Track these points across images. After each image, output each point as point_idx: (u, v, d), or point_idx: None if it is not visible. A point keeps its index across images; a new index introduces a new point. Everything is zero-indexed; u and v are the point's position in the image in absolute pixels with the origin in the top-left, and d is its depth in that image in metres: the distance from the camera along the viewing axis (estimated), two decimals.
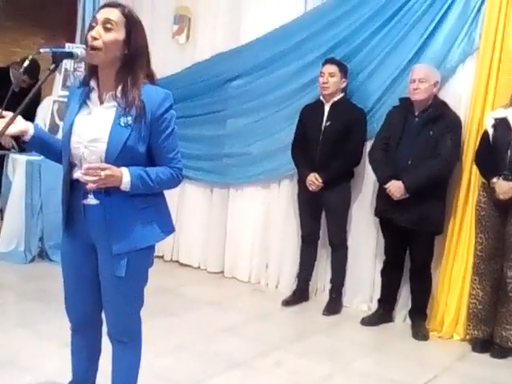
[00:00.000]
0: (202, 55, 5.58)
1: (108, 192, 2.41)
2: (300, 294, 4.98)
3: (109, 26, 2.37)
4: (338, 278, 4.92)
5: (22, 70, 2.39)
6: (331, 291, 4.93)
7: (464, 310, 4.41)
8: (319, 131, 4.73)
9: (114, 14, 2.39)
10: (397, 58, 4.71)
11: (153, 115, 2.42)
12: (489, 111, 4.31)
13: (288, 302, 4.92)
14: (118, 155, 2.39)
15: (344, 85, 4.77)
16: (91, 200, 2.43)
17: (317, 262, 5.04)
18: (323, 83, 4.72)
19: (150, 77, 2.49)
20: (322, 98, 4.81)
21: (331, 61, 4.75)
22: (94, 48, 2.36)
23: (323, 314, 4.79)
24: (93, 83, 2.48)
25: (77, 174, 2.46)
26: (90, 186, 2.34)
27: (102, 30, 2.37)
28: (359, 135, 4.68)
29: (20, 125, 2.44)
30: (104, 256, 2.50)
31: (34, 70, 5.71)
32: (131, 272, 2.48)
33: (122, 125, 2.39)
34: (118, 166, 2.37)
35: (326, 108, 4.77)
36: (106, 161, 2.38)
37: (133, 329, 2.63)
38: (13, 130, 2.40)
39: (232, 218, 5.54)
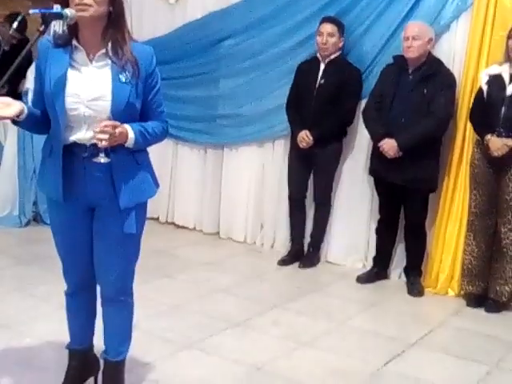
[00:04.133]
0: (193, 15, 5.50)
1: (114, 150, 2.41)
2: (295, 253, 5.00)
3: None
4: (318, 233, 4.97)
5: (12, 29, 2.34)
6: (309, 245, 4.99)
7: (458, 266, 4.45)
8: (313, 89, 4.70)
9: None
10: (390, 15, 4.66)
11: (146, 71, 2.46)
12: (483, 68, 4.29)
13: (284, 262, 4.95)
14: (122, 112, 2.40)
15: (341, 44, 4.72)
16: (102, 158, 2.40)
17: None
18: (322, 44, 4.66)
19: (129, 34, 2.49)
20: (318, 55, 4.77)
21: (330, 19, 4.69)
22: (84, 5, 2.31)
23: (299, 267, 4.86)
24: (75, 43, 2.43)
25: (78, 136, 2.42)
26: (103, 144, 2.32)
27: None
28: (353, 94, 4.65)
29: (15, 107, 2.36)
30: (108, 215, 2.51)
31: (21, 25, 5.65)
32: (138, 227, 2.56)
33: (123, 81, 2.40)
34: (121, 122, 2.38)
35: (322, 66, 4.73)
36: (111, 118, 2.38)
37: (130, 286, 2.67)
38: (10, 112, 2.34)
39: (226, 179, 5.54)
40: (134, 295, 2.71)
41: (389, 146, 4.32)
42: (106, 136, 2.31)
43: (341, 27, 4.69)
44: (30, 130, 2.63)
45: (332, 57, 4.72)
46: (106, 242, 2.55)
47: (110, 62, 2.41)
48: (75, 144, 2.45)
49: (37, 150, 5.20)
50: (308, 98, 4.71)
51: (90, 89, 2.40)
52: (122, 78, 2.40)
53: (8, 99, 2.38)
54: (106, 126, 2.31)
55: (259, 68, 5.23)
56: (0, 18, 6.02)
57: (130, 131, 2.40)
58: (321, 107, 4.66)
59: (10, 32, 2.32)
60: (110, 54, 2.40)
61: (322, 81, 4.70)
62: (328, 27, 4.65)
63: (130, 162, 2.50)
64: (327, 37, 4.64)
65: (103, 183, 2.47)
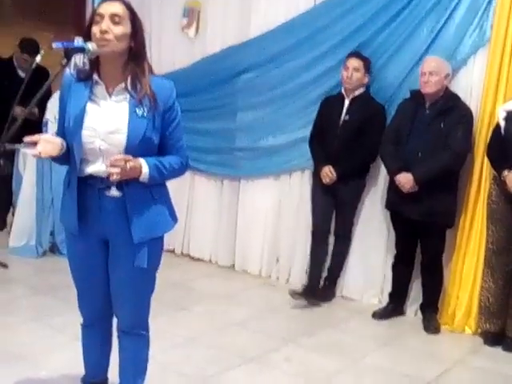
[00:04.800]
0: (212, 49, 5.56)
1: (127, 183, 2.43)
2: (311, 289, 4.88)
3: (117, 19, 2.39)
4: (336, 268, 4.92)
5: (34, 65, 2.39)
6: (326, 279, 4.95)
7: (475, 303, 4.40)
8: (338, 124, 4.71)
9: (120, 8, 2.41)
10: (409, 50, 4.67)
11: (165, 105, 2.47)
12: (500, 104, 4.28)
13: (297, 295, 4.79)
14: (137, 146, 2.42)
15: (366, 80, 4.73)
16: (114, 192, 2.42)
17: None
18: (347, 77, 4.68)
19: (150, 67, 2.52)
20: (343, 91, 4.78)
21: (356, 54, 4.71)
22: (105, 40, 2.36)
23: (313, 303, 4.79)
24: (96, 77, 2.48)
25: (94, 168, 2.45)
26: (115, 177, 2.35)
27: (110, 24, 2.38)
28: (378, 131, 4.59)
29: (57, 143, 2.42)
30: (122, 248, 2.52)
31: (32, 47, 5.76)
32: (150, 261, 2.54)
33: (139, 115, 2.42)
34: (136, 156, 2.40)
35: (347, 102, 4.74)
36: (126, 152, 2.40)
37: (145, 319, 2.67)
38: (55, 151, 2.40)
39: (243, 211, 5.54)
40: (149, 328, 2.70)
41: (405, 179, 4.31)
42: (118, 170, 2.33)
43: (367, 63, 4.70)
44: (59, 163, 2.62)
45: (357, 93, 4.73)
46: (119, 275, 2.56)
47: (128, 95, 2.44)
48: (91, 176, 2.47)
49: (55, 181, 5.25)
50: (332, 133, 4.71)
51: (106, 122, 2.43)
52: (139, 111, 2.42)
53: (49, 136, 2.45)
54: (116, 160, 2.34)
55: (276, 102, 5.26)
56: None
57: (144, 165, 2.42)
58: (345, 143, 4.66)
59: (33, 66, 2.34)
60: (129, 88, 2.44)
61: (347, 117, 4.71)
62: (354, 62, 4.67)
63: (146, 195, 2.50)
64: (353, 71, 4.66)
65: (117, 216, 2.48)
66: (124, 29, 2.40)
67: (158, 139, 2.49)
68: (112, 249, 2.56)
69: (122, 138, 2.42)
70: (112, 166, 2.34)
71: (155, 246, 2.58)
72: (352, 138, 4.66)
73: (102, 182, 2.45)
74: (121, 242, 2.52)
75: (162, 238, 2.63)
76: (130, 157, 2.37)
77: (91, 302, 2.67)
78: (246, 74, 5.40)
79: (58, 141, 2.44)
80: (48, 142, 2.39)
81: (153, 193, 2.53)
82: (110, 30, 2.37)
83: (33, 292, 4.59)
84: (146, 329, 2.69)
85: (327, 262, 4.96)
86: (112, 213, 2.48)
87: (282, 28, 5.18)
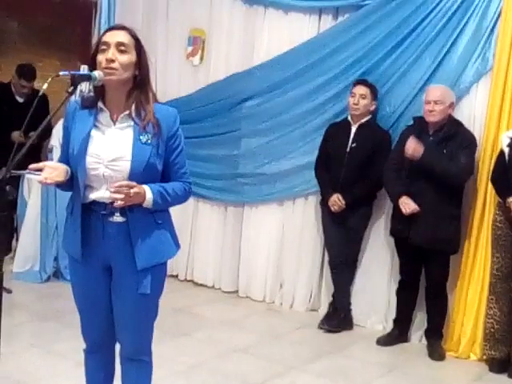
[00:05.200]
0: (216, 76, 5.61)
1: (131, 209, 2.44)
2: (343, 320, 4.85)
3: (123, 48, 2.42)
4: (341, 296, 4.89)
5: (40, 93, 2.43)
6: (330, 304, 4.94)
7: (480, 329, 4.38)
8: (344, 152, 4.73)
9: (126, 37, 2.45)
10: (412, 77, 4.72)
11: (168, 133, 2.49)
12: (503, 130, 4.31)
13: (329, 329, 4.78)
14: (142, 173, 2.44)
15: (373, 107, 4.76)
16: (117, 218, 2.44)
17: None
18: (354, 104, 4.71)
19: (154, 95, 2.55)
20: (349, 118, 4.82)
21: (363, 82, 4.75)
22: (111, 69, 2.39)
23: (318, 328, 4.80)
24: (101, 105, 2.51)
25: (98, 194, 2.47)
26: (119, 203, 2.36)
27: (116, 53, 2.41)
28: (384, 158, 4.59)
29: (62, 169, 2.45)
30: (125, 274, 2.52)
31: (29, 72, 5.81)
32: (154, 287, 2.54)
33: (143, 142, 2.44)
34: (140, 183, 2.41)
35: (353, 129, 4.76)
36: (130, 178, 2.42)
37: (148, 345, 2.66)
38: (61, 177, 2.43)
39: (246, 237, 5.55)
40: (152, 354, 2.69)
41: (408, 205, 4.32)
42: (121, 196, 2.35)
43: (373, 91, 4.74)
44: (63, 189, 2.62)
45: (363, 120, 4.75)
46: (122, 302, 2.56)
47: (132, 123, 2.46)
48: (94, 202, 2.49)
49: (60, 207, 5.27)
50: (339, 160, 4.73)
51: (110, 149, 2.45)
52: (143, 138, 2.44)
53: (53, 163, 2.49)
54: (120, 186, 2.35)
55: (280, 128, 5.29)
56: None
57: (148, 192, 2.43)
58: (353, 171, 4.68)
59: (40, 93, 2.38)
60: (133, 115, 2.46)
61: (354, 144, 4.73)
62: (361, 89, 4.71)
63: (149, 221, 2.51)
64: (359, 98, 4.69)
65: (121, 242, 2.49)
66: (130, 57, 2.43)
67: (161, 166, 2.51)
68: (115, 275, 2.56)
69: (126, 165, 2.44)
70: (116, 192, 2.35)
71: (159, 273, 2.57)
72: (359, 165, 4.68)
73: (106, 208, 2.46)
74: (124, 268, 2.52)
75: (165, 264, 2.62)
76: (134, 183, 2.39)
77: (94, 327, 2.66)
78: (249, 101, 5.44)
79: (63, 167, 2.47)
80: (53, 169, 2.42)
81: (156, 218, 2.53)
82: (116, 59, 2.40)
83: (36, 318, 4.58)
84: (149, 355, 2.68)
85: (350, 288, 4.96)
86: (115, 239, 2.49)
87: (286, 56, 5.23)
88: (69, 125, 2.56)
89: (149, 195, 2.43)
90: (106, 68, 2.39)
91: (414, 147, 4.28)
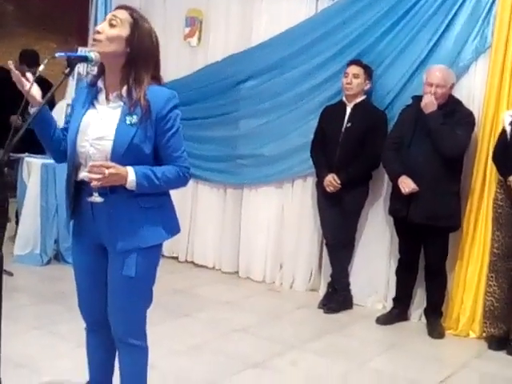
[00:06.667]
0: (214, 57, 5.59)
1: (113, 190, 2.43)
2: (344, 301, 4.88)
3: (113, 22, 2.43)
4: (339, 277, 4.91)
5: (37, 74, 2.42)
6: (329, 285, 4.97)
7: (480, 307, 4.40)
8: (339, 132, 4.73)
9: (121, 13, 2.46)
10: (409, 57, 4.71)
11: (157, 115, 2.45)
12: (503, 109, 4.30)
13: (329, 309, 4.80)
14: (124, 153, 2.42)
15: (368, 87, 4.76)
16: (96, 198, 2.43)
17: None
18: (347, 83, 4.71)
19: (157, 80, 2.52)
20: (344, 98, 4.81)
21: (356, 62, 4.75)
22: (96, 40, 2.42)
23: (318, 307, 4.83)
24: (100, 84, 2.52)
25: (83, 174, 2.48)
26: (95, 183, 2.36)
27: (106, 26, 2.43)
28: (379, 138, 4.60)
29: (35, 89, 2.50)
30: (113, 256, 2.53)
31: (31, 58, 5.79)
32: (141, 271, 2.50)
33: (128, 123, 2.42)
34: (124, 164, 2.39)
35: (348, 109, 4.76)
36: (112, 159, 2.41)
37: (138, 329, 2.62)
38: (35, 96, 2.47)
39: (246, 218, 5.56)
40: (146, 339, 2.65)
41: (407, 184, 4.32)
42: (97, 176, 2.34)
43: (367, 70, 4.73)
44: (40, 136, 2.59)
45: (358, 100, 4.75)
46: (111, 282, 2.56)
47: (122, 103, 2.46)
48: (84, 181, 2.49)
49: (59, 189, 5.27)
50: (334, 141, 4.73)
51: (97, 128, 2.46)
52: (129, 119, 2.42)
53: (35, 86, 2.49)
54: (94, 166, 2.35)
55: (279, 109, 5.28)
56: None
57: (131, 174, 2.39)
58: (347, 151, 4.68)
59: (37, 74, 2.37)
60: (124, 95, 2.46)
61: (349, 124, 4.72)
62: (354, 69, 4.70)
63: (132, 205, 2.47)
64: (352, 77, 4.69)
65: (104, 222, 2.49)
66: (119, 31, 2.42)
67: (149, 149, 2.46)
68: (108, 255, 2.56)
69: (108, 144, 2.43)
70: (90, 171, 2.36)
71: (146, 257, 2.52)
72: (354, 145, 4.68)
73: (87, 187, 2.46)
74: (112, 249, 2.52)
75: (155, 249, 2.57)
76: (111, 163, 2.37)
77: (90, 306, 2.67)
78: (247, 82, 5.43)
79: (39, 92, 2.50)
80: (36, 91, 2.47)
81: (141, 202, 2.48)
82: (103, 31, 2.42)
83: (37, 300, 4.60)
84: (141, 339, 2.63)
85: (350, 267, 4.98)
86: (101, 218, 2.49)
87: (284, 36, 5.22)
88: (73, 103, 2.61)
89: (131, 177, 2.39)
90: (93, 40, 2.42)
91: (429, 101, 4.27)
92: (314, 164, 4.90)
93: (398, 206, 4.48)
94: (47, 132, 2.58)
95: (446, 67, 4.41)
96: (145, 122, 2.43)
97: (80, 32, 6.61)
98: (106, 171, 2.34)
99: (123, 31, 2.43)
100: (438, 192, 4.28)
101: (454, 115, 4.32)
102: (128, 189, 2.42)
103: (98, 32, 2.42)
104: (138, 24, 2.46)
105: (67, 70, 2.37)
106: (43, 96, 2.47)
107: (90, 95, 2.53)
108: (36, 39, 7.57)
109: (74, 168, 2.51)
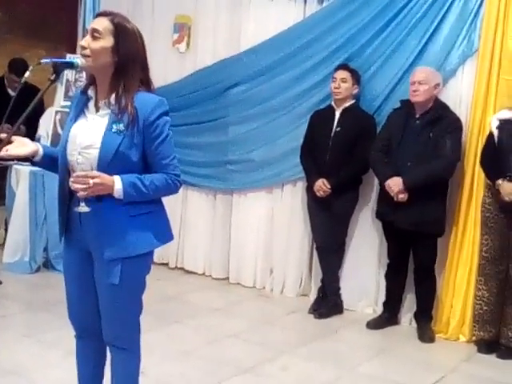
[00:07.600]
0: (203, 63, 5.57)
1: (100, 199, 2.42)
2: (333, 306, 4.88)
3: (96, 35, 2.41)
4: (330, 281, 4.91)
5: (22, 81, 2.40)
6: (320, 290, 4.97)
7: (469, 311, 4.41)
8: (329, 137, 4.73)
9: (102, 24, 2.43)
10: (397, 61, 4.73)
11: (145, 121, 2.42)
12: (490, 113, 4.33)
13: (320, 314, 4.80)
14: (110, 162, 2.40)
15: (356, 91, 4.77)
16: (82, 207, 2.42)
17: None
18: (335, 88, 4.72)
19: (146, 84, 2.51)
20: (333, 103, 4.82)
21: (343, 67, 4.77)
22: (83, 56, 2.41)
23: (309, 313, 4.83)
24: (90, 92, 2.52)
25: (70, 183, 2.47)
26: (81, 193, 2.35)
27: (90, 39, 2.42)
28: (369, 142, 4.60)
29: (30, 147, 2.47)
30: (99, 263, 2.51)
31: (20, 67, 5.79)
32: (126, 279, 2.48)
33: (114, 131, 2.41)
34: (111, 173, 2.38)
35: (337, 114, 4.77)
36: (98, 167, 2.40)
37: (128, 336, 2.61)
38: (23, 152, 2.44)
39: (236, 223, 5.55)
40: (138, 345, 2.64)
41: (394, 182, 4.33)
42: (82, 186, 2.33)
43: (354, 74, 4.74)
44: (49, 170, 2.64)
45: (347, 104, 4.76)
46: (99, 290, 2.55)
47: (109, 111, 2.45)
48: (71, 191, 2.47)
49: (48, 197, 5.26)
50: (323, 146, 4.73)
51: (85, 136, 2.45)
52: (115, 127, 2.40)
53: (24, 139, 2.48)
54: (78, 177, 2.35)
55: (268, 114, 5.28)
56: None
57: (117, 183, 2.38)
58: (337, 155, 4.68)
59: (22, 81, 2.36)
60: (112, 102, 2.44)
61: (338, 129, 4.73)
62: (341, 73, 4.72)
63: (121, 213, 2.45)
64: (340, 82, 4.70)
65: (91, 231, 2.48)
66: (102, 44, 2.40)
67: (137, 156, 2.44)
68: (94, 262, 2.55)
69: (95, 153, 2.42)
70: (74, 182, 2.35)
71: (132, 265, 2.49)
72: (344, 149, 4.68)
73: (74, 197, 2.46)
74: (98, 256, 2.50)
75: (144, 257, 2.54)
76: (96, 173, 2.36)
77: (79, 313, 2.65)
78: (237, 88, 5.42)
79: (33, 144, 2.49)
80: (21, 144, 2.44)
81: (130, 210, 2.46)
82: (88, 46, 2.41)
83: (26, 308, 4.58)
84: (132, 345, 2.62)
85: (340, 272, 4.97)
86: (88, 227, 2.48)
87: (272, 41, 5.22)
88: (69, 111, 2.62)
89: (118, 186, 2.38)
90: (81, 55, 2.42)
91: (393, 184, 4.31)
92: (304, 169, 4.91)
93: (385, 209, 4.49)
94: (54, 168, 2.58)
95: (430, 68, 4.45)
96: (131, 130, 2.41)
97: (69, 39, 6.60)
98: (91, 181, 2.33)
99: (107, 42, 2.41)
100: (423, 198, 4.29)
101: (442, 122, 4.33)
102: (116, 197, 2.41)
103: (84, 47, 2.41)
104: (120, 29, 2.44)
105: (53, 76, 2.36)
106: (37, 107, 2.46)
107: (81, 103, 2.53)
108: (25, 46, 7.53)
109: (66, 176, 2.49)
